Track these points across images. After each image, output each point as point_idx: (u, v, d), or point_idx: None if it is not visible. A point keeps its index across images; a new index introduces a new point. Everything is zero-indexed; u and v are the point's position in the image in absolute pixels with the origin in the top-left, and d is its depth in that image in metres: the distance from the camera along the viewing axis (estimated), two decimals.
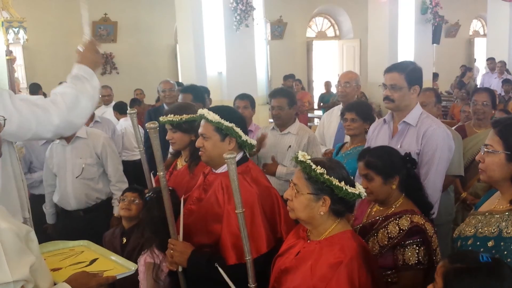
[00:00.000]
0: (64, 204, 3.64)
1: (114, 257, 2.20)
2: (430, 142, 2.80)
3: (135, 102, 7.50)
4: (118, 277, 1.96)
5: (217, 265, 2.16)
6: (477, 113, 3.83)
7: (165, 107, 5.07)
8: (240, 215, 2.01)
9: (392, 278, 2.18)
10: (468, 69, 11.90)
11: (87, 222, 3.51)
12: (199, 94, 4.39)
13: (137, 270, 2.68)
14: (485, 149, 1.81)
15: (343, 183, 1.86)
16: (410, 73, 2.87)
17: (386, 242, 2.18)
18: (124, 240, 2.95)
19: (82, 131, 3.60)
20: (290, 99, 3.68)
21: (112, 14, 10.11)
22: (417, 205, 2.31)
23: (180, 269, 2.37)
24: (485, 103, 3.78)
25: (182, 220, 2.35)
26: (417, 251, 2.11)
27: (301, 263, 1.92)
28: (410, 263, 2.11)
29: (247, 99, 4.17)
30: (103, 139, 3.72)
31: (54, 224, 3.83)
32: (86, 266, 2.08)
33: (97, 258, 2.18)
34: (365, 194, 1.95)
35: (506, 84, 8.84)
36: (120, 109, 6.26)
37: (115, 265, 2.11)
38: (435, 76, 10.95)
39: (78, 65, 2.41)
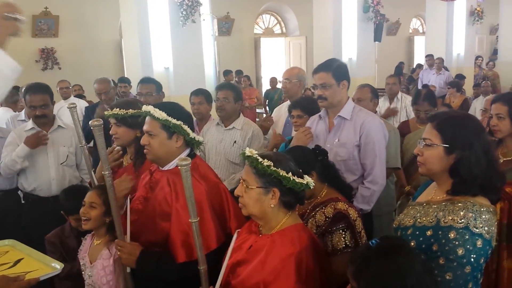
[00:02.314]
0: (43, 191, 3.64)
1: (40, 256, 2.13)
2: (369, 133, 2.96)
3: (79, 98, 7.30)
4: (41, 279, 1.89)
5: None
6: (421, 118, 3.97)
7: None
8: (195, 224, 1.98)
9: (328, 265, 2.26)
10: (418, 65, 12.43)
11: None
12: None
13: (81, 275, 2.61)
14: (424, 143, 1.88)
15: (290, 174, 1.91)
16: (336, 70, 3.00)
17: (315, 231, 2.27)
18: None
19: (61, 122, 3.82)
20: (236, 94, 3.72)
21: (53, 7, 9.72)
22: (339, 190, 2.43)
23: (128, 270, 2.33)
24: (427, 112, 3.88)
25: (128, 221, 2.31)
26: (343, 235, 2.24)
27: (253, 256, 1.94)
28: (338, 248, 2.23)
29: (202, 95, 4.13)
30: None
31: (27, 212, 3.77)
32: (9, 267, 2.01)
33: (22, 259, 2.10)
34: (313, 184, 2.00)
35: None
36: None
37: (41, 265, 2.04)
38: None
39: None
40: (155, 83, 4.54)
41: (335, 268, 2.15)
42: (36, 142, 3.55)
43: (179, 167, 1.91)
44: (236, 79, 11.20)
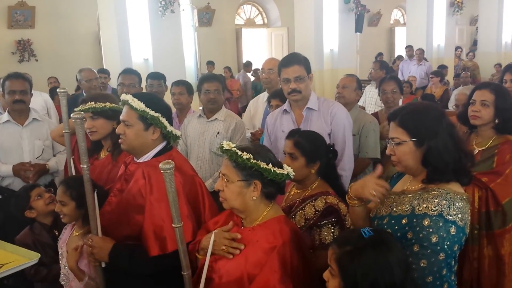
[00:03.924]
0: (18, 186, 3.54)
1: (14, 249, 2.14)
2: (339, 120, 3.03)
3: (54, 91, 7.16)
4: (18, 269, 1.92)
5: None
6: (387, 101, 4.01)
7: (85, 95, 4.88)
8: (179, 229, 1.94)
9: (311, 258, 2.24)
10: (398, 57, 12.51)
11: None
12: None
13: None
14: (393, 142, 1.88)
15: (270, 165, 1.90)
16: (305, 63, 3.02)
17: (303, 224, 2.25)
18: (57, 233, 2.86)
19: (36, 115, 3.74)
20: (223, 85, 3.76)
21: None
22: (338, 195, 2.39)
23: (103, 264, 2.29)
24: (393, 90, 3.98)
25: (98, 215, 2.28)
26: (332, 230, 2.20)
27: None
28: (326, 242, 2.19)
29: (183, 85, 4.11)
30: (55, 123, 3.92)
31: (3, 206, 3.66)
32: None
33: None
34: (293, 174, 1.99)
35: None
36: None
37: (16, 257, 2.05)
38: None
39: None
40: (137, 75, 4.47)
41: (321, 263, 2.15)
42: (21, 175, 3.52)
43: (162, 171, 1.85)
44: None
